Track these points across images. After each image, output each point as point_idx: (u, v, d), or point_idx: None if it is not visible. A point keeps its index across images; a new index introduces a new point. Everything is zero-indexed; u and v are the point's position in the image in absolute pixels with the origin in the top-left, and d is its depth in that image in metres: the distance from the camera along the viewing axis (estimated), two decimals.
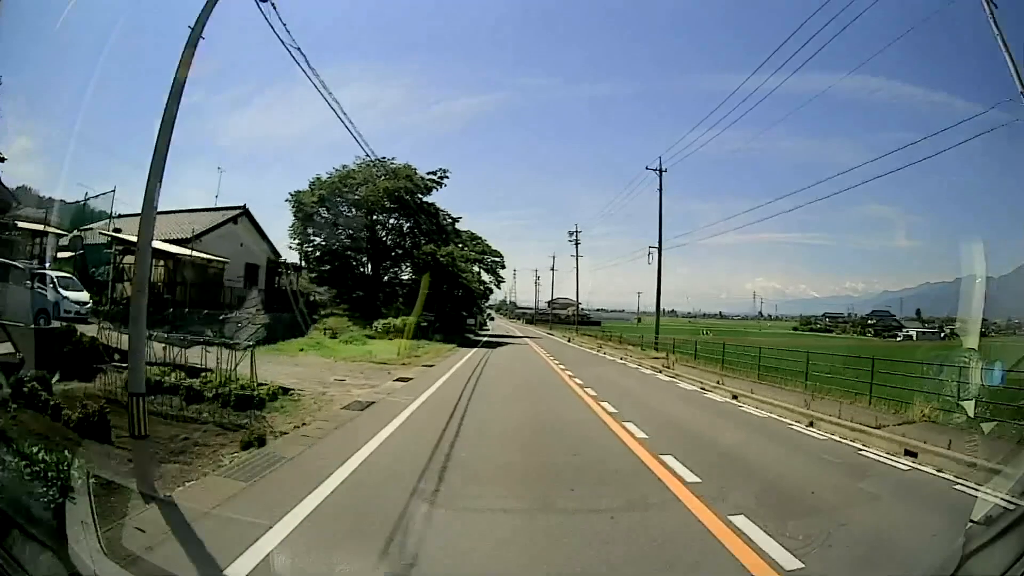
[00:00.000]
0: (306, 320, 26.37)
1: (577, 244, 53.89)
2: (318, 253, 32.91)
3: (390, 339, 23.17)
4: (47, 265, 17.95)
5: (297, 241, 32.41)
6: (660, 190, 30.30)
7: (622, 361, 22.18)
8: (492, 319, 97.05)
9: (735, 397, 11.75)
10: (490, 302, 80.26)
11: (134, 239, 19.91)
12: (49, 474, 2.98)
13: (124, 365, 11.39)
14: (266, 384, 9.46)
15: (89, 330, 11.04)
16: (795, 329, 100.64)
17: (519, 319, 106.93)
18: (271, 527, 3.73)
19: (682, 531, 4.04)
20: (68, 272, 18.77)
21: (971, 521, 2.45)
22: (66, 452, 3.75)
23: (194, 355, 9.94)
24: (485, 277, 41.98)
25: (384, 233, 34.22)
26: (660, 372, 17.40)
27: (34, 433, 5.19)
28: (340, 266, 32.67)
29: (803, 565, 3.42)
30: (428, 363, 17.02)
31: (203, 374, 9.69)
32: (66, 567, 2.21)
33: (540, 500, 4.68)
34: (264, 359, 14.63)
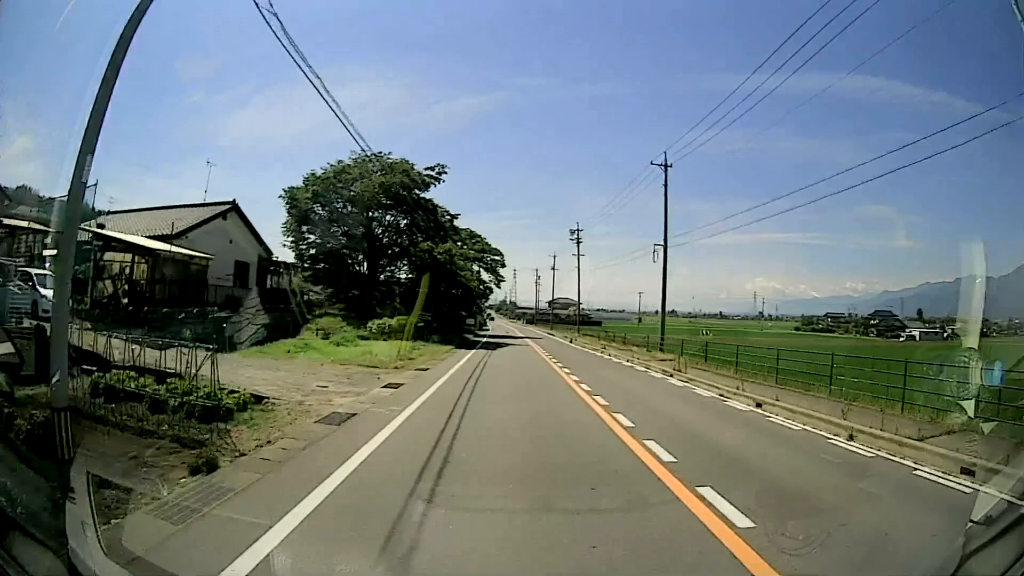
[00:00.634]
0: (299, 320, 25.45)
1: (579, 243, 52.75)
2: (312, 251, 31.88)
3: (385, 340, 22.12)
4: (32, 263, 17.55)
5: (291, 239, 31.41)
6: (665, 185, 29.35)
7: (629, 364, 20.97)
8: (492, 319, 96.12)
9: (759, 405, 10.67)
10: (490, 302, 79.55)
11: (115, 235, 19.27)
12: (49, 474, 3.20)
13: (92, 368, 10.69)
14: (237, 392, 8.44)
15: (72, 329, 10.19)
16: (797, 329, 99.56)
17: (519, 319, 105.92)
18: None
19: None
20: (47, 269, 18.20)
21: (971, 521, 2.35)
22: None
23: (171, 357, 8.90)
24: (485, 276, 40.89)
25: (380, 230, 33.11)
26: (671, 376, 16.28)
27: None
28: (335, 264, 31.61)
29: None
30: (422, 366, 15.85)
31: (169, 380, 8.70)
32: (66, 567, 2.19)
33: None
34: (247, 362, 13.70)
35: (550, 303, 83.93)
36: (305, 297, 29.37)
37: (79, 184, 5.41)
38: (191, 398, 7.82)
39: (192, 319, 16.42)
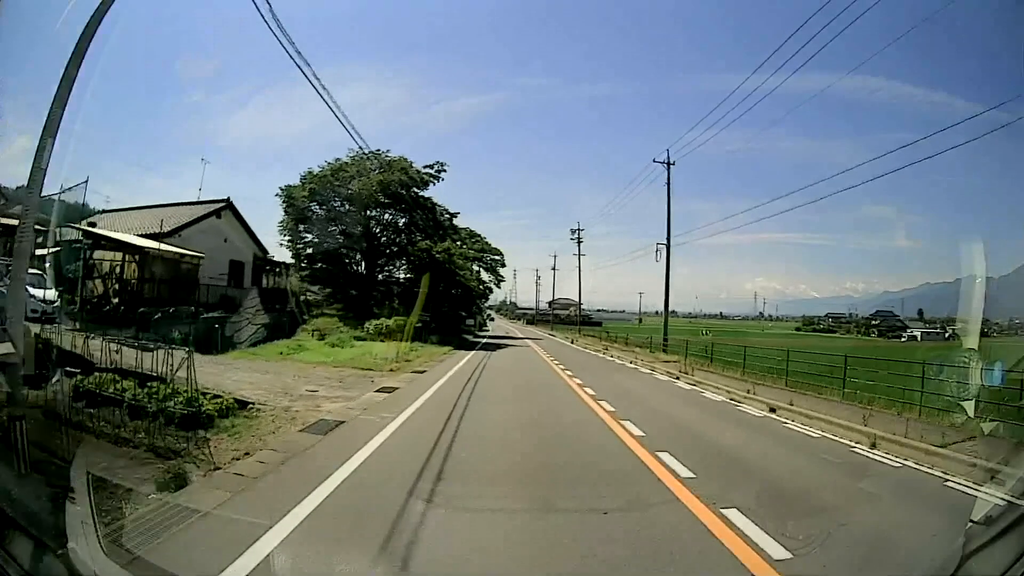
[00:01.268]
0: (296, 320, 24.99)
1: (579, 243, 52.20)
2: (309, 250, 31.38)
3: (382, 341, 21.61)
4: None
5: (288, 238, 30.91)
6: (668, 183, 28.79)
7: (632, 366, 20.37)
8: (492, 319, 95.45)
9: (773, 410, 10.13)
10: (490, 302, 79.26)
11: (104, 233, 18.83)
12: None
13: (76, 370, 10.30)
14: (220, 397, 7.96)
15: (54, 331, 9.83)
16: (797, 330, 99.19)
17: (519, 319, 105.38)
18: None
19: None
20: (38, 269, 17.85)
21: (971, 521, 2.30)
22: None
23: (159, 360, 8.36)
24: (484, 276, 40.34)
25: (378, 229, 32.56)
26: (677, 379, 15.71)
27: None
28: (332, 264, 31.10)
29: None
30: (419, 368, 15.28)
31: (150, 384, 8.23)
32: (66, 567, 2.19)
33: None
34: (237, 364, 13.19)
35: (550, 303, 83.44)
36: (303, 297, 28.87)
37: (38, 170, 4.94)
38: (169, 404, 7.38)
39: (182, 319, 15.93)
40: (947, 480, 6.00)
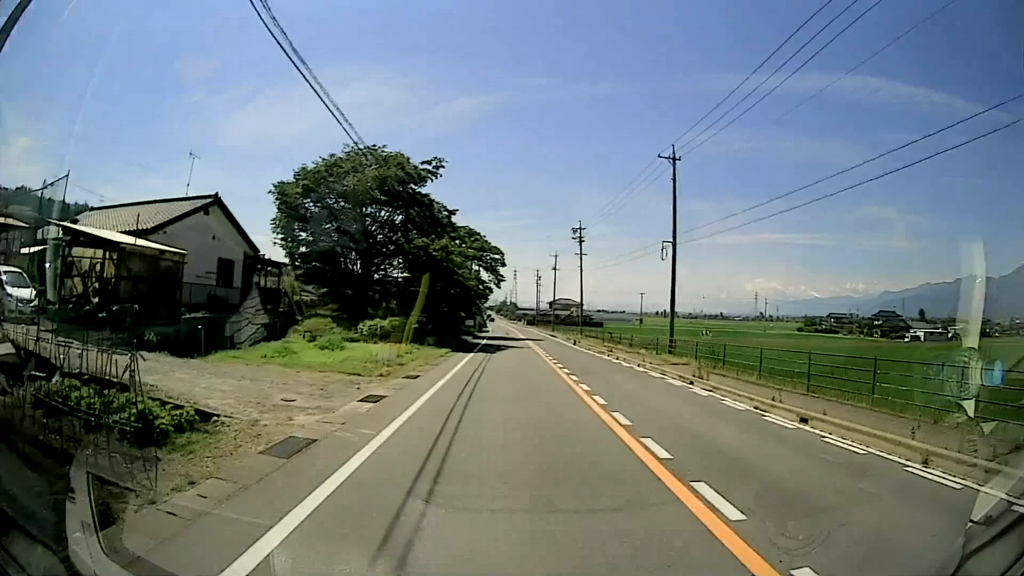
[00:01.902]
0: (290, 321, 24.11)
1: (581, 242, 51.35)
2: (303, 249, 30.41)
3: (376, 342, 20.66)
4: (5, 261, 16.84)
5: (280, 236, 29.93)
6: (674, 180, 27.95)
7: (641, 369, 19.02)
8: (492, 320, 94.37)
9: (804, 420, 9.13)
10: (489, 303, 78.53)
11: (80, 228, 17.97)
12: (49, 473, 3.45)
13: (42, 375, 9.50)
14: (182, 408, 7.01)
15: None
16: (800, 330, 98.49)
17: (520, 320, 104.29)
18: None
19: None
20: (17, 267, 17.19)
21: (971, 521, 2.30)
22: None
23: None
24: (484, 275, 39.39)
25: (374, 227, 31.58)
26: (691, 384, 14.54)
27: None
28: (327, 263, 30.13)
29: None
30: (413, 373, 14.17)
31: (108, 391, 7.31)
32: (66, 567, 2.16)
33: None
34: (213, 369, 12.19)
35: (551, 304, 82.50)
36: (297, 297, 27.93)
37: None
38: (119, 416, 6.46)
39: (161, 320, 14.99)
40: (1015, 503, 5.04)
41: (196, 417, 6.81)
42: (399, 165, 29.95)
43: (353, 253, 31.20)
